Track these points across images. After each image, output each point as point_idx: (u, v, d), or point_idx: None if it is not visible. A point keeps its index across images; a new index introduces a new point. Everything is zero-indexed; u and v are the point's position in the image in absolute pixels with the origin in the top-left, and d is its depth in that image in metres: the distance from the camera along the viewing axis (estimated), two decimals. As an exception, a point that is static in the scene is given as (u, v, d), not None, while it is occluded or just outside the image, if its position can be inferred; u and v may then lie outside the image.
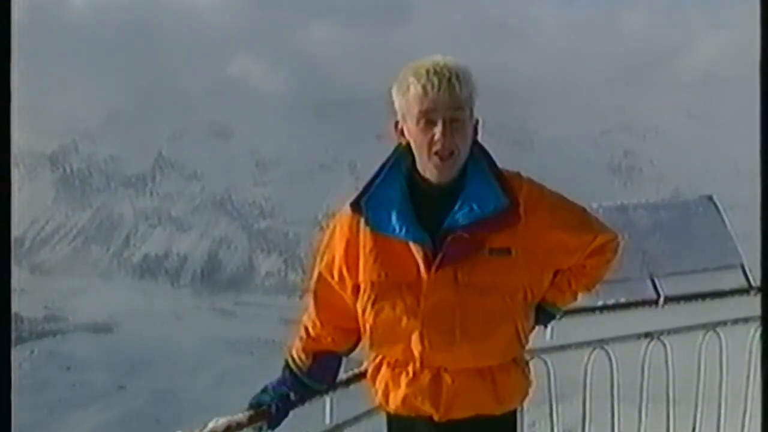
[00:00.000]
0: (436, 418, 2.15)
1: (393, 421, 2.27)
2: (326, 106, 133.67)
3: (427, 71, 2.01)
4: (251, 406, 2.31)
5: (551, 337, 3.09)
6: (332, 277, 2.22)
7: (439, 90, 1.99)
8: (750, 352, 3.49)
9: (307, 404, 2.38)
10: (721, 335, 3.50)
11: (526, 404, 2.59)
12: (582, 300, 2.46)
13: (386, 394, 2.21)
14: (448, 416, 2.14)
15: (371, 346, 2.21)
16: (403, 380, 2.16)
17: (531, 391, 2.30)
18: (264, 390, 2.34)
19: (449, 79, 1.99)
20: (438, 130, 2.00)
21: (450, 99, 1.99)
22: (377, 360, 2.24)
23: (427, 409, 2.15)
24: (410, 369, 2.15)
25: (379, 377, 2.23)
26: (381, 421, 2.47)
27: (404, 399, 2.17)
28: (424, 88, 2.00)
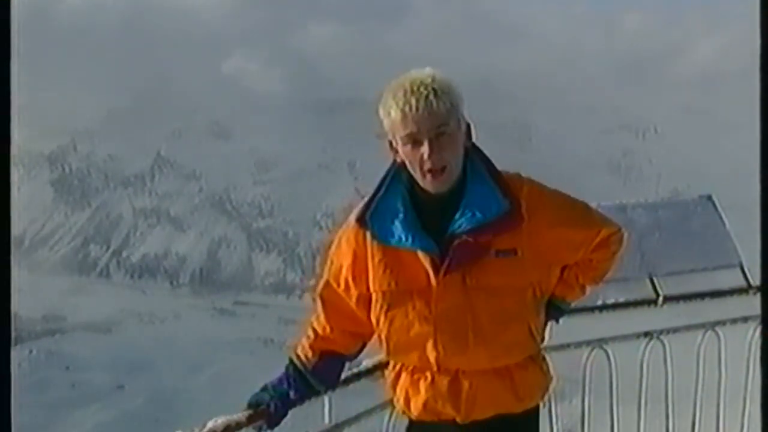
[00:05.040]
0: (458, 420, 2.17)
1: (416, 427, 2.28)
2: (325, 105, 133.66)
3: (405, 92, 2.01)
4: (250, 405, 2.31)
5: (550, 336, 3.09)
6: (338, 285, 2.24)
7: (418, 110, 1.99)
8: (749, 352, 3.50)
9: (306, 404, 2.38)
10: (720, 335, 3.50)
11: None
12: (581, 299, 2.46)
13: (407, 401, 2.23)
14: (470, 418, 2.16)
15: (388, 354, 2.23)
16: (423, 386, 2.18)
17: (551, 386, 2.32)
18: (263, 389, 2.34)
19: (427, 97, 1.99)
20: (425, 149, 2.01)
21: (430, 117, 1.99)
22: (396, 368, 2.26)
23: (448, 412, 2.17)
24: (428, 374, 2.17)
25: (399, 385, 2.24)
26: (381, 421, 2.47)
27: (425, 404, 2.19)
28: (403, 111, 2.00)
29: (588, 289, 2.40)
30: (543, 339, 2.27)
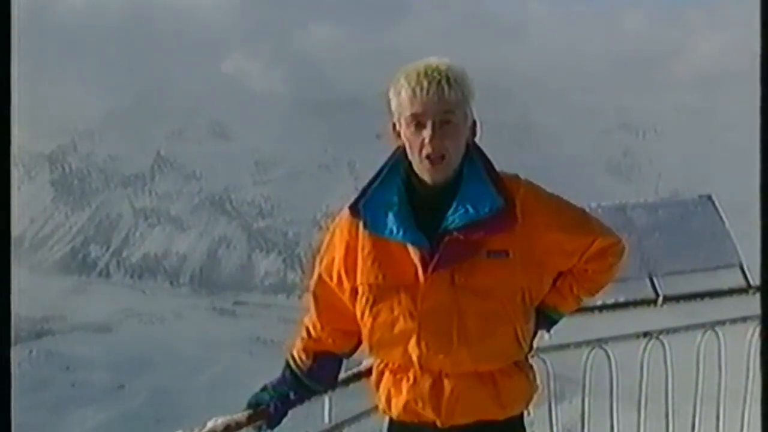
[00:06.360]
0: (438, 424, 2.14)
1: (397, 427, 2.26)
2: (325, 105, 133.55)
3: (419, 74, 2.01)
4: (250, 405, 2.31)
5: (550, 336, 3.09)
6: (331, 279, 2.22)
7: (428, 93, 1.99)
8: (749, 352, 3.50)
9: (306, 404, 2.38)
10: (720, 335, 3.50)
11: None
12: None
13: (389, 401, 2.21)
14: (450, 422, 2.13)
15: (370, 350, 2.21)
16: (404, 386, 2.16)
17: (536, 395, 2.28)
18: (263, 389, 2.34)
19: (439, 82, 2.00)
20: (427, 133, 2.00)
21: (439, 102, 1.99)
22: (380, 366, 2.24)
23: (428, 415, 2.14)
24: (411, 374, 2.14)
25: (382, 384, 2.23)
26: (381, 421, 2.47)
27: (405, 405, 2.16)
28: (414, 91, 2.00)
29: (582, 300, 2.35)
30: (531, 347, 2.23)
